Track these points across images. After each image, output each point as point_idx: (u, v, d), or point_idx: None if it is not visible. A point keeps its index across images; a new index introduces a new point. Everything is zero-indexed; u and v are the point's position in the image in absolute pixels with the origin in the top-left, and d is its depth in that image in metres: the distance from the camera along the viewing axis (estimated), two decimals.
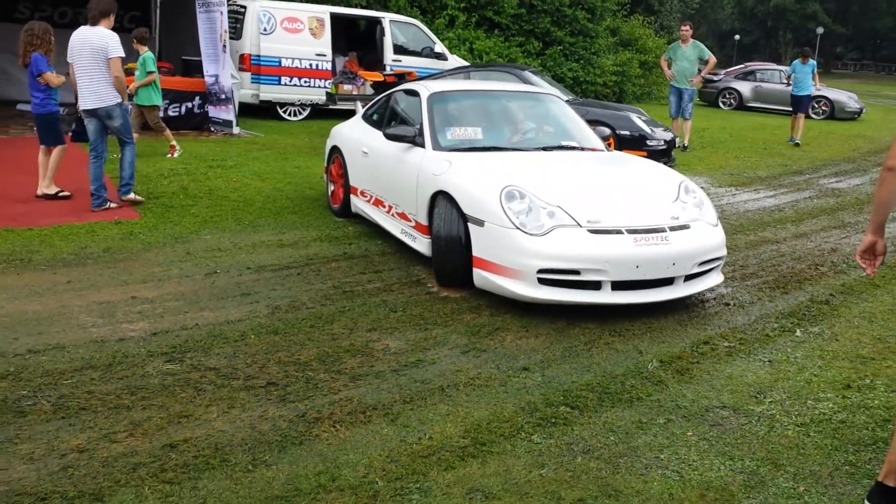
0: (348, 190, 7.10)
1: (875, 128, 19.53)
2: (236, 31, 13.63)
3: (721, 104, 23.47)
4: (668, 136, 11.28)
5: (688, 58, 12.98)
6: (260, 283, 5.34)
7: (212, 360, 4.05)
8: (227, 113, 12.02)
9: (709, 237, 5.11)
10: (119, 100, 7.08)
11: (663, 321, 4.90)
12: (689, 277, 5.00)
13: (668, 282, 4.91)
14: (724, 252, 5.28)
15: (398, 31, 15.37)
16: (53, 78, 7.15)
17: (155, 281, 5.29)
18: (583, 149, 6.28)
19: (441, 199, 5.33)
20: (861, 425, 3.65)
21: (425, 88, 6.49)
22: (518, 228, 4.74)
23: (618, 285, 4.75)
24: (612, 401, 3.78)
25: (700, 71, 13.16)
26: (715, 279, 5.28)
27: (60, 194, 7.44)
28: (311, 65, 14.06)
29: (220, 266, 5.66)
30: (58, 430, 3.28)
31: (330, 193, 7.57)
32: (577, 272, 4.67)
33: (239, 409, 3.53)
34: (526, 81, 10.96)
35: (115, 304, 4.80)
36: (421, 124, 6.11)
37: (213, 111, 12.26)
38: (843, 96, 21.87)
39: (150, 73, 9.36)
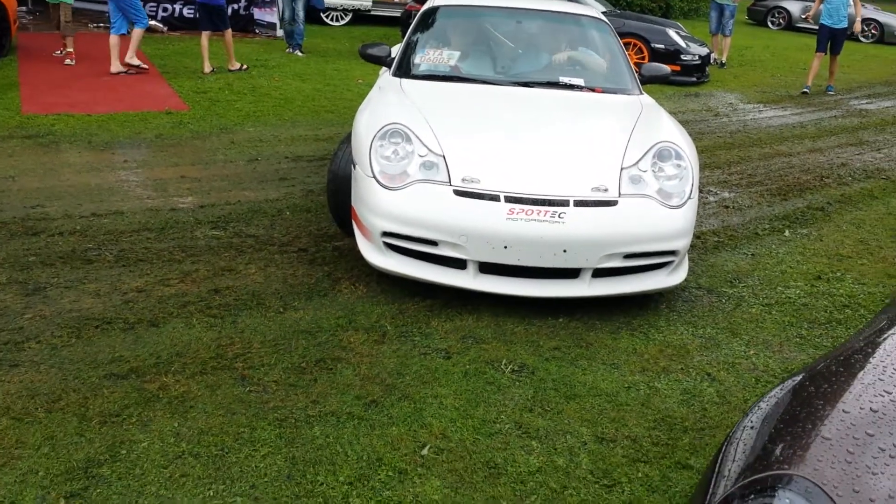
0: None
1: None
2: None
3: (770, 23, 22.96)
4: (704, 51, 11.39)
5: None
6: (297, 170, 5.85)
7: (252, 229, 4.61)
8: (272, 16, 12.38)
9: (648, 221, 3.75)
10: None
11: None
12: (606, 273, 3.77)
13: (571, 273, 3.73)
14: (678, 245, 3.82)
15: None
16: None
17: (202, 164, 5.84)
18: (582, 88, 4.86)
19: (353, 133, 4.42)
20: (821, 308, 4.09)
21: None
22: (374, 177, 3.81)
23: (488, 268, 3.72)
24: None
25: None
26: (660, 281, 3.88)
27: (243, 68, 9.38)
28: None
29: (261, 154, 6.18)
30: (119, 275, 3.88)
31: None
32: (434, 243, 3.69)
33: (274, 268, 4.09)
34: None
35: (167, 181, 5.37)
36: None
37: (259, 13, 12.61)
38: (894, 20, 21.30)
39: None
